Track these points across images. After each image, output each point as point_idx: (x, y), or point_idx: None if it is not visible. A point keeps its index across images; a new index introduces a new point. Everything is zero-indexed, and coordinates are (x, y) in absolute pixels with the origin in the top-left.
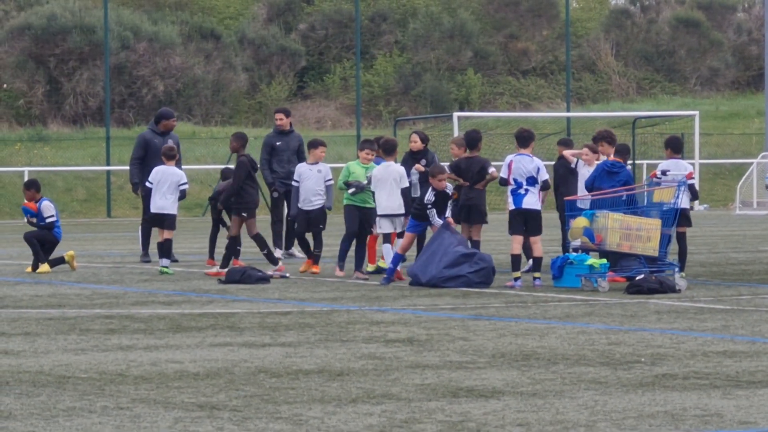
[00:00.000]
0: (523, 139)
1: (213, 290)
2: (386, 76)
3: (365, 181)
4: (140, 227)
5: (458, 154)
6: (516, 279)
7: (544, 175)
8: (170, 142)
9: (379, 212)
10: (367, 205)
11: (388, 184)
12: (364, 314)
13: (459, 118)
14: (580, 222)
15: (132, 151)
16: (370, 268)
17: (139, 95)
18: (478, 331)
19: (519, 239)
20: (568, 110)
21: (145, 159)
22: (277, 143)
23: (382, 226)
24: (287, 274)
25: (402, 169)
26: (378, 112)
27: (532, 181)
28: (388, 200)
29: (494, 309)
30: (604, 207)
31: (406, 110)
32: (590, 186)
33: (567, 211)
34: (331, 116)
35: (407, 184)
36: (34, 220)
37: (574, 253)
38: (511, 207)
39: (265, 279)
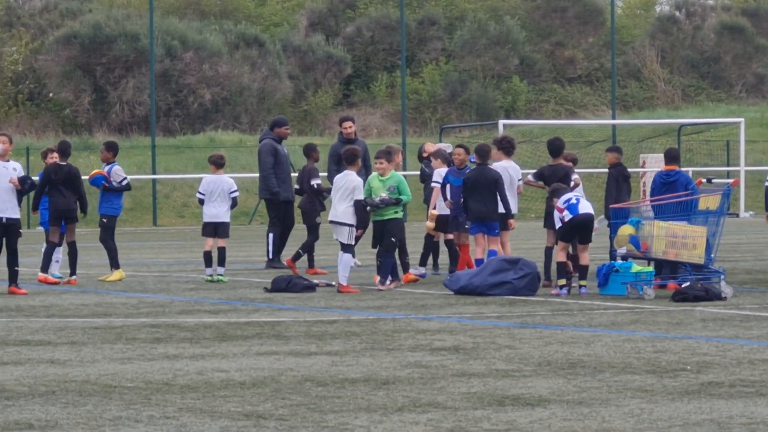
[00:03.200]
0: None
1: (259, 299)
2: (432, 84)
3: (383, 194)
4: (270, 234)
5: (463, 160)
6: (562, 287)
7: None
8: (282, 151)
9: (329, 218)
10: (386, 217)
11: (340, 193)
12: (410, 322)
13: (504, 125)
14: (625, 230)
15: (259, 162)
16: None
17: (185, 104)
18: (524, 339)
19: (565, 248)
20: (613, 117)
21: (276, 166)
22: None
23: (341, 235)
24: (333, 282)
25: (358, 182)
26: (424, 120)
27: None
28: (336, 208)
29: (540, 317)
30: (666, 214)
31: (452, 117)
32: (655, 195)
33: (613, 218)
34: (377, 124)
35: (361, 197)
36: (107, 185)
37: (620, 261)
38: (568, 216)
39: (311, 287)
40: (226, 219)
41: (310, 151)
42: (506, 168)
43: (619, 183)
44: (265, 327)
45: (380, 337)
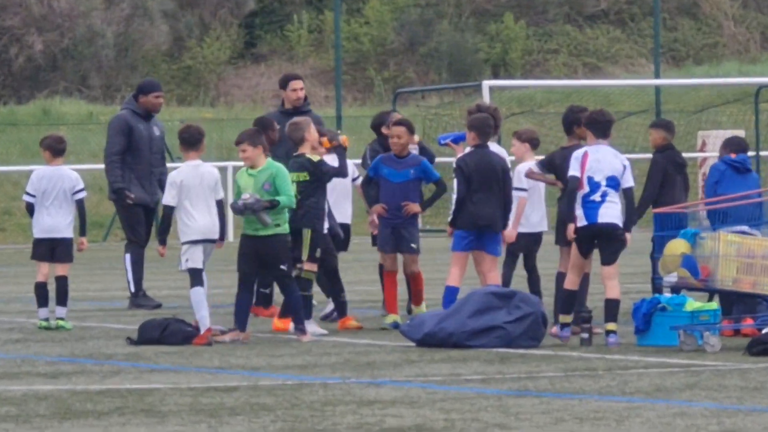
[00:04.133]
0: (603, 125)
1: (120, 355)
2: (381, 26)
3: (245, 195)
4: (126, 256)
5: (405, 144)
6: (563, 326)
7: (629, 180)
8: (155, 131)
9: (192, 237)
10: (261, 232)
11: (203, 194)
12: (349, 389)
13: (492, 89)
14: (676, 247)
15: (106, 143)
16: (390, 319)
17: (5, 58)
18: (523, 415)
19: (581, 268)
20: (657, 75)
21: (129, 153)
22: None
23: (192, 259)
24: (224, 329)
25: (215, 172)
26: (368, 81)
27: (614, 183)
28: (205, 217)
29: (547, 380)
30: (731, 221)
31: (411, 77)
32: (713, 194)
33: (657, 230)
34: None
35: (222, 195)
36: None
37: (668, 295)
38: (581, 222)
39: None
40: (68, 234)
41: (265, 128)
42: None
43: (667, 175)
44: (129, 398)
45: (304, 412)
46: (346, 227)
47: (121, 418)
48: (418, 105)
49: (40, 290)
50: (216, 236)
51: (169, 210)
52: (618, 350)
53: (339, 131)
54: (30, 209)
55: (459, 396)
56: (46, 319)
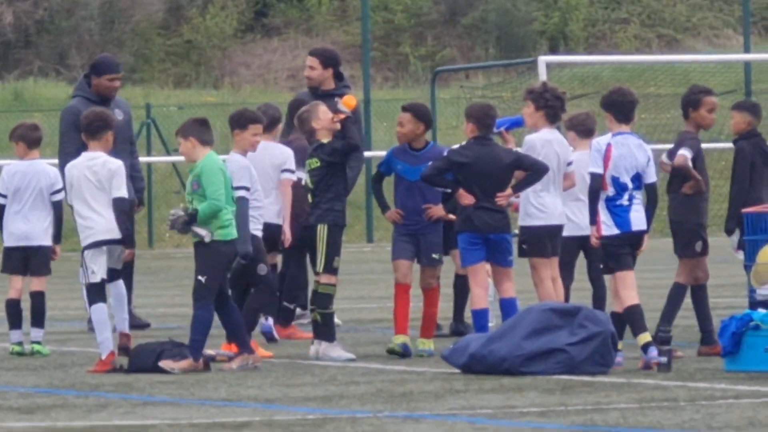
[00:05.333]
0: (624, 106)
1: (107, 385)
2: None
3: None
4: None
5: (408, 134)
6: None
7: (653, 175)
8: (117, 114)
9: (96, 238)
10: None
11: (102, 188)
12: (383, 425)
13: (549, 66)
14: None
15: (59, 142)
16: (398, 340)
17: None
18: None
19: (630, 282)
20: (746, 49)
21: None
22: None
23: (96, 269)
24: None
25: (113, 166)
26: (401, 58)
27: (639, 182)
28: (102, 217)
29: (618, 412)
30: None
31: (453, 53)
32: None
33: (748, 233)
34: None
35: (123, 192)
36: None
37: (762, 310)
38: (612, 230)
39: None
40: (46, 242)
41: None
42: (549, 142)
43: (756, 167)
44: None
45: None
46: (272, 228)
47: None
48: (462, 86)
49: (12, 309)
50: (115, 236)
51: (61, 207)
52: (703, 377)
53: (338, 99)
54: None
55: None
56: (20, 343)
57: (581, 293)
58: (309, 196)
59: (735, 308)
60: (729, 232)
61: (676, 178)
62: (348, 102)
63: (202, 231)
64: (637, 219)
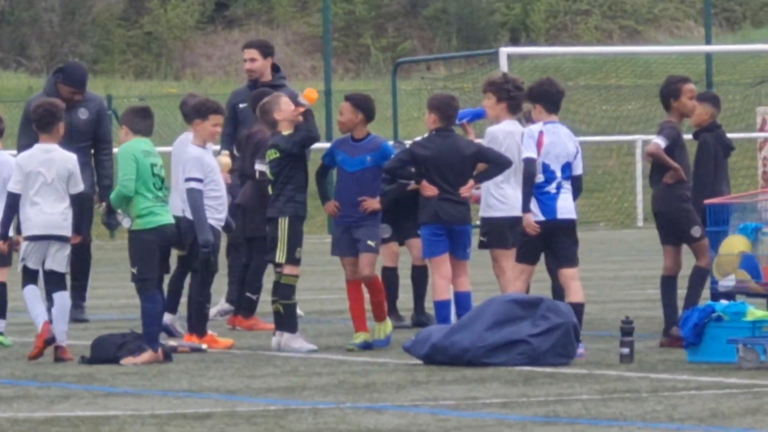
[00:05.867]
0: (553, 96)
1: (69, 376)
2: None
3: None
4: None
5: (347, 123)
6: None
7: (580, 167)
8: (81, 114)
9: (32, 232)
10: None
11: (53, 181)
12: (345, 416)
13: (511, 57)
14: (734, 244)
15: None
16: (358, 338)
17: None
18: None
19: (518, 272)
20: (708, 41)
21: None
22: (242, 105)
23: (29, 256)
24: (203, 346)
25: (71, 161)
26: (363, 49)
27: (569, 172)
28: (51, 211)
29: (580, 404)
30: None
31: (414, 44)
32: None
33: (710, 224)
34: (277, 57)
35: (81, 187)
36: None
37: (724, 302)
38: (538, 216)
39: (162, 354)
40: (68, 233)
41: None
42: (511, 134)
43: (718, 159)
44: (81, 427)
45: None
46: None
47: None
48: (423, 77)
49: None
50: (62, 232)
51: (13, 198)
52: (665, 368)
53: (298, 92)
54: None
55: (475, 423)
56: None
57: (541, 284)
58: (269, 188)
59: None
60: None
61: (655, 168)
62: (309, 95)
63: (121, 218)
64: (564, 207)
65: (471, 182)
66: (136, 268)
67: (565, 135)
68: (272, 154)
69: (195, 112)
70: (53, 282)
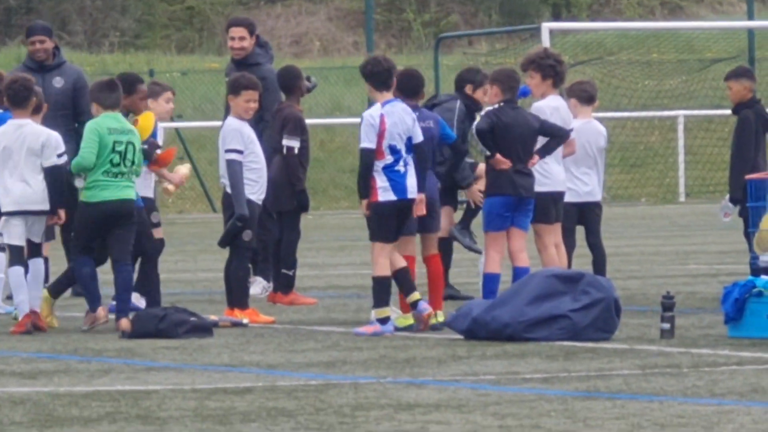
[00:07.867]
0: (381, 75)
1: (110, 351)
2: None
3: None
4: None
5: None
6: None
7: (419, 134)
8: (56, 83)
9: (8, 208)
10: None
11: (24, 159)
12: (386, 391)
13: (553, 32)
14: None
15: None
16: (401, 321)
17: None
18: (593, 421)
19: (387, 251)
20: (750, 17)
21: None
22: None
23: (10, 233)
24: (245, 320)
25: (43, 135)
26: (405, 24)
27: (409, 145)
28: (26, 185)
29: (621, 379)
30: None
31: (456, 19)
32: None
33: (751, 199)
34: (319, 32)
35: (55, 161)
36: None
37: (765, 277)
38: (390, 195)
39: (204, 329)
40: (42, 205)
41: (289, 79)
42: (557, 109)
43: (757, 134)
44: (121, 401)
45: (331, 418)
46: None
47: (113, 426)
48: (465, 53)
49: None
50: (39, 207)
51: None
52: (706, 343)
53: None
54: None
55: (516, 398)
56: (16, 308)
57: (581, 260)
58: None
59: (737, 275)
60: (736, 201)
61: None
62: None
63: (76, 179)
64: (412, 186)
65: (536, 156)
66: (73, 232)
67: (402, 110)
68: None
69: (229, 87)
70: (29, 250)
